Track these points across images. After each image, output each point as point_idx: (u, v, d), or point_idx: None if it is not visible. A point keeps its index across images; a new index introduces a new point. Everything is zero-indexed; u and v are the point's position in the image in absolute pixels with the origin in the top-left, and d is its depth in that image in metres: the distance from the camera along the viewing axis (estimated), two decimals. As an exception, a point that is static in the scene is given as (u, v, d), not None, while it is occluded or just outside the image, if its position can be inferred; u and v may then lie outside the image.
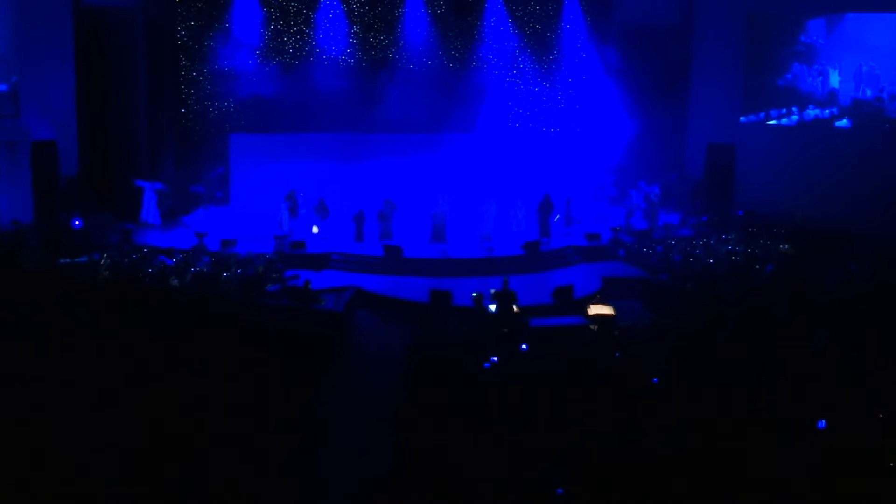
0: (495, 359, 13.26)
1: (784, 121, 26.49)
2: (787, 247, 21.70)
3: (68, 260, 19.16)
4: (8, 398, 10.50)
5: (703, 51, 27.51)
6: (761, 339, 14.00)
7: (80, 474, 9.12)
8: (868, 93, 25.30)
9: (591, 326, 15.81)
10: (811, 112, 26.09)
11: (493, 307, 16.20)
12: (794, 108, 26.38)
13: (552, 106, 27.62)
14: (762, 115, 26.82)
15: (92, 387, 10.94)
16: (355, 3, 26.73)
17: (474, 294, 16.49)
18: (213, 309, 16.55)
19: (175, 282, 17.93)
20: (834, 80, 25.80)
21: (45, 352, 11.87)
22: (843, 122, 25.65)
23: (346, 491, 10.55)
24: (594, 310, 16.55)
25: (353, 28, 26.71)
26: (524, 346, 13.98)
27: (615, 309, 16.71)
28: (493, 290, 16.39)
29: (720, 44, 27.04)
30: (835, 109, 25.82)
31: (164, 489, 9.13)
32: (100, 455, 9.43)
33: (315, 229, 23.21)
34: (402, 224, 23.02)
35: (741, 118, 27.08)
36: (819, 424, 10.39)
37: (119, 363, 11.73)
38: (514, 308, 16.19)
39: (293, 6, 26.53)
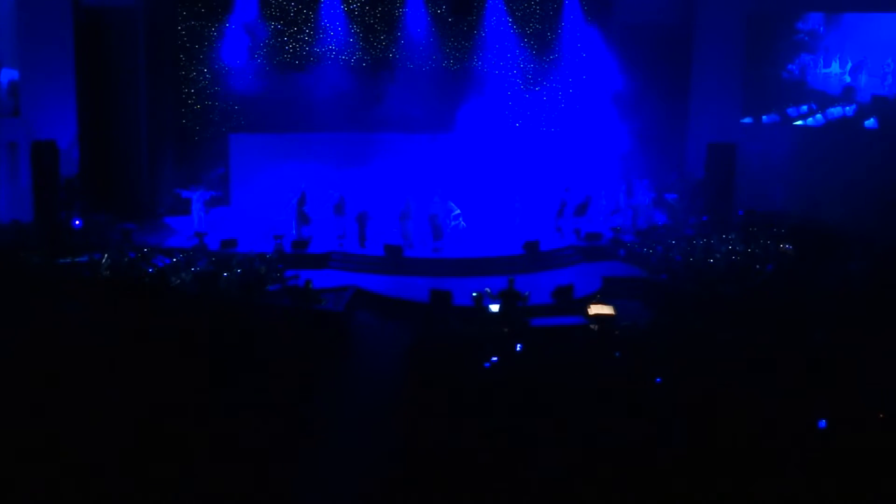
0: (496, 359, 13.27)
1: (810, 121, 26.27)
2: (787, 247, 21.68)
3: (68, 260, 19.16)
4: (7, 397, 10.51)
5: (704, 50, 27.47)
6: (761, 339, 14.00)
7: (79, 474, 9.13)
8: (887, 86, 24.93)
9: (591, 326, 15.81)
10: (833, 111, 25.69)
11: (494, 307, 16.20)
12: (813, 106, 25.99)
13: (552, 106, 27.59)
14: (781, 114, 26.72)
15: (91, 386, 10.95)
16: (356, 4, 26.71)
17: (474, 294, 16.49)
18: (214, 309, 16.56)
19: (175, 281, 17.93)
20: (849, 75, 25.52)
21: (45, 351, 11.88)
22: (871, 122, 25.26)
23: (347, 491, 10.55)
24: (594, 310, 16.55)
25: (353, 28, 26.68)
26: (519, 347, 13.98)
27: (615, 309, 16.71)
28: (487, 290, 16.39)
29: (720, 43, 27.00)
30: (854, 106, 25.51)
31: (163, 489, 9.14)
32: (98, 454, 9.44)
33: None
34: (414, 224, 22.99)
35: (763, 118, 26.99)
36: (819, 424, 10.39)
37: (119, 362, 11.74)
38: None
39: (293, 6, 26.51)
